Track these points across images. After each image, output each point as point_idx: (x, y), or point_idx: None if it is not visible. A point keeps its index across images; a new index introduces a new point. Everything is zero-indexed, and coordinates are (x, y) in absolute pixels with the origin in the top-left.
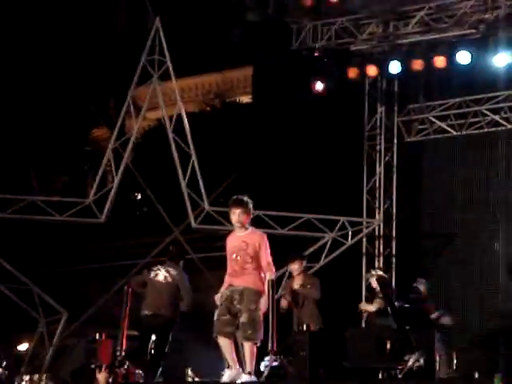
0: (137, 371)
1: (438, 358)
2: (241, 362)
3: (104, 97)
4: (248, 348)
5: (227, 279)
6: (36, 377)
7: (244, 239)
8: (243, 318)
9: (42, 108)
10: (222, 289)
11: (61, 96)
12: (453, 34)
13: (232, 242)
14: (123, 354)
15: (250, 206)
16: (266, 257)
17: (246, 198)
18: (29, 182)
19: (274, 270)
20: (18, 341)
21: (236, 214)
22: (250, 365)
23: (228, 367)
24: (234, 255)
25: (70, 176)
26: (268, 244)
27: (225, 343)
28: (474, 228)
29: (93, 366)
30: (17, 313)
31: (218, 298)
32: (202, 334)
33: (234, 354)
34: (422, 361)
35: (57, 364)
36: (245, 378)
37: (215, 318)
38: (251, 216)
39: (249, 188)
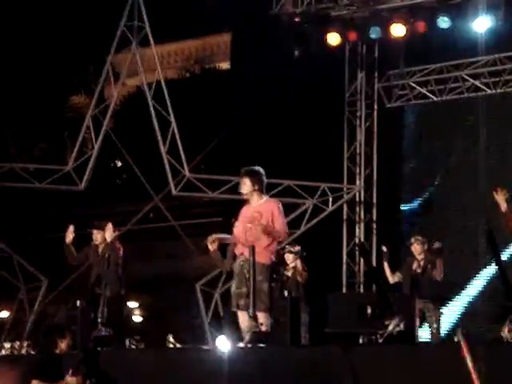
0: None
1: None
2: None
3: (83, 63)
4: (259, 318)
5: (239, 248)
6: (17, 344)
7: (258, 209)
8: (250, 288)
9: (20, 74)
10: (231, 256)
11: (39, 62)
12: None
13: (245, 213)
14: (104, 320)
15: (259, 174)
16: (281, 223)
17: (255, 168)
18: (7, 149)
19: (286, 235)
20: None
21: (240, 185)
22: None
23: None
24: (248, 225)
25: (48, 143)
26: (282, 211)
27: (242, 316)
28: (454, 193)
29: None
30: None
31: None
32: (181, 301)
33: None
34: (402, 326)
35: (37, 331)
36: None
37: (232, 290)
38: (262, 185)
39: (229, 155)
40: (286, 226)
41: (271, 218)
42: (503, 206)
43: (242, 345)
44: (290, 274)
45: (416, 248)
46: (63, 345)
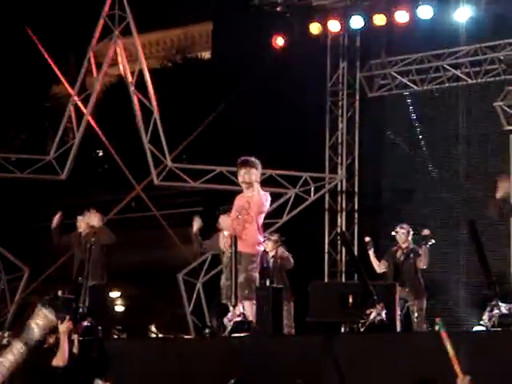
0: (99, 327)
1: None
2: None
3: (64, 53)
4: (247, 307)
5: (228, 241)
6: None
7: (248, 199)
8: (240, 278)
9: (1, 65)
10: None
11: (20, 52)
12: None
13: (237, 202)
14: (86, 309)
15: (257, 166)
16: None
17: (252, 159)
18: None
19: (260, 206)
20: None
21: (241, 174)
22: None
23: None
24: (237, 214)
25: (29, 133)
26: (264, 198)
27: (248, 305)
28: (436, 183)
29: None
30: None
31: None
32: (164, 291)
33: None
34: (383, 314)
35: (19, 321)
36: None
37: (222, 282)
38: (259, 176)
39: (211, 144)
40: (264, 205)
41: (262, 210)
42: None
43: (225, 334)
44: (270, 263)
45: (401, 236)
46: (51, 339)
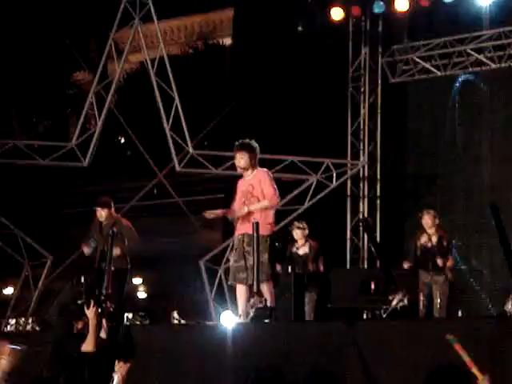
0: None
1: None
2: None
3: (85, 39)
4: (262, 288)
5: (238, 224)
6: (22, 320)
7: (251, 182)
8: (250, 261)
9: (23, 51)
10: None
11: (41, 39)
12: None
13: (240, 187)
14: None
15: (254, 148)
16: (268, 188)
17: (248, 141)
18: (10, 126)
19: (275, 200)
20: (3, 285)
21: (237, 159)
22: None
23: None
24: (243, 199)
25: (52, 120)
26: (271, 178)
27: (240, 290)
28: (459, 169)
29: (79, 302)
30: (1, 257)
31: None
32: (186, 277)
33: (245, 305)
34: (406, 301)
35: (42, 308)
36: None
37: (230, 264)
38: (256, 158)
39: (233, 131)
40: (277, 192)
41: (261, 188)
42: None
43: (246, 320)
44: (300, 251)
45: (427, 221)
46: (79, 325)
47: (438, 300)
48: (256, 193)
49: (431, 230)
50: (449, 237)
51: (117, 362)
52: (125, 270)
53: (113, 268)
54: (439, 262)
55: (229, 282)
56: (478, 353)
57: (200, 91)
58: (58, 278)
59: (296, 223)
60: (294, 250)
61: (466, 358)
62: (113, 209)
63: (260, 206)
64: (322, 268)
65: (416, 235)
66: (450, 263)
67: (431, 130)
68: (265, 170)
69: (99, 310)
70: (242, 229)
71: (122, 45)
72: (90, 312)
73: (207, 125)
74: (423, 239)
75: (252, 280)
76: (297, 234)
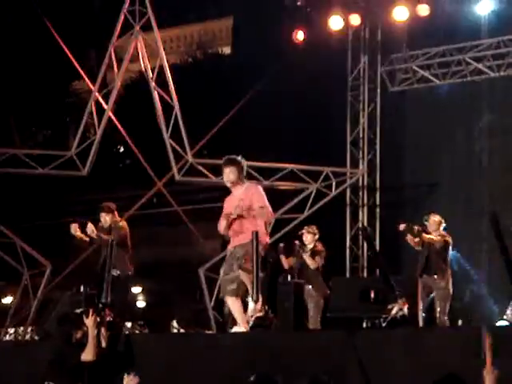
0: (124, 322)
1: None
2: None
3: (85, 48)
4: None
5: (231, 238)
6: (21, 329)
7: (241, 197)
8: (242, 274)
9: (22, 60)
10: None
11: (41, 48)
12: None
13: (230, 203)
14: (108, 304)
15: (241, 163)
16: (259, 202)
17: (235, 157)
18: (10, 135)
19: (268, 214)
20: (2, 294)
21: (226, 174)
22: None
23: (236, 324)
24: (230, 215)
25: (51, 129)
26: (262, 192)
27: (231, 302)
28: (458, 177)
29: (78, 311)
30: (0, 266)
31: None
32: (185, 286)
33: (242, 313)
34: (405, 309)
35: (41, 316)
36: (235, 329)
37: (220, 276)
38: (243, 173)
39: (232, 139)
40: (269, 207)
41: (251, 201)
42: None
43: (246, 330)
44: (307, 257)
45: (431, 226)
46: (79, 334)
47: (438, 308)
48: (246, 206)
49: (436, 233)
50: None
51: (126, 375)
52: (125, 276)
53: (116, 274)
54: (442, 266)
55: (220, 296)
56: (478, 361)
57: (199, 100)
58: (57, 286)
59: (306, 228)
60: (303, 255)
61: (489, 362)
62: (116, 213)
63: (258, 213)
64: (317, 261)
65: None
66: (449, 270)
67: (430, 139)
68: (256, 185)
69: (98, 319)
70: (236, 241)
71: (121, 54)
72: (89, 321)
73: (206, 133)
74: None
75: (242, 291)
76: (307, 238)
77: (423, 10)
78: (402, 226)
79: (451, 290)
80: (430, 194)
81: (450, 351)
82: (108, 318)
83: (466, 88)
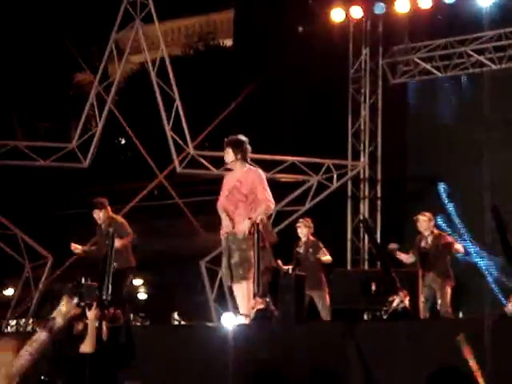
0: (125, 314)
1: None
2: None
3: (86, 40)
4: (241, 288)
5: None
6: (22, 321)
7: (239, 178)
8: (235, 258)
9: (24, 53)
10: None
11: (42, 40)
12: None
13: (227, 180)
14: (109, 297)
15: (242, 144)
16: (263, 191)
17: (237, 137)
18: (11, 127)
19: (270, 204)
20: (4, 286)
21: (225, 153)
22: (244, 306)
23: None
24: (227, 193)
25: (52, 121)
26: (263, 179)
27: (243, 286)
28: (459, 170)
29: (82, 303)
30: (1, 258)
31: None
32: (186, 278)
33: (251, 299)
34: (406, 302)
35: (43, 308)
36: (240, 319)
37: (222, 266)
38: (245, 154)
39: (233, 132)
40: (270, 195)
41: (253, 188)
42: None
43: (246, 321)
44: (302, 249)
45: (422, 224)
46: (80, 326)
47: (439, 302)
48: (244, 190)
49: (427, 232)
50: (446, 236)
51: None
52: (126, 268)
53: (117, 267)
54: (437, 262)
55: (227, 284)
56: (480, 354)
57: (201, 92)
58: (59, 278)
59: (301, 220)
60: (297, 248)
61: (473, 364)
62: (109, 208)
63: (258, 214)
64: (324, 258)
65: (416, 241)
66: (448, 262)
67: (432, 131)
68: (258, 170)
69: (100, 313)
70: (226, 227)
71: (122, 46)
72: (91, 314)
73: (208, 125)
74: (421, 242)
75: (239, 277)
76: (301, 231)
77: (425, 2)
78: (392, 246)
79: (452, 282)
80: (432, 187)
81: (452, 343)
82: (110, 314)
83: (468, 80)
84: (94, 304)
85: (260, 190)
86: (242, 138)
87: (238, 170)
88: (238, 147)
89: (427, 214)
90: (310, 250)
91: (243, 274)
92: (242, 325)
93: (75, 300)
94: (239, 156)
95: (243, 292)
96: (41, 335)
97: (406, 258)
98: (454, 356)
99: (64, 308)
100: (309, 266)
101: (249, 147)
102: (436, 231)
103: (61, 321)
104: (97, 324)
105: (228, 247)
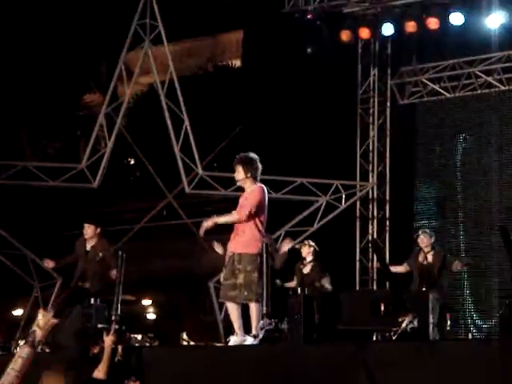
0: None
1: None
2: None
3: (95, 62)
4: (251, 309)
5: (230, 241)
6: None
7: (246, 196)
8: (240, 279)
9: (34, 73)
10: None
11: (52, 61)
12: None
13: (240, 200)
14: (119, 317)
15: (253, 161)
16: (247, 207)
17: (248, 155)
18: (21, 148)
19: (241, 214)
20: (13, 306)
21: (236, 171)
22: (253, 326)
23: (233, 333)
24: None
25: (62, 142)
26: (258, 195)
27: (231, 308)
28: (468, 191)
29: (100, 326)
30: (11, 278)
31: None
32: (195, 298)
33: (240, 321)
34: (415, 322)
35: (52, 329)
36: (249, 340)
37: (221, 281)
38: (256, 173)
39: (241, 152)
40: (252, 209)
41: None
42: None
43: (255, 342)
44: (308, 270)
45: (423, 240)
46: (96, 350)
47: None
48: (246, 207)
49: (427, 249)
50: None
51: (126, 381)
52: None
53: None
54: (437, 279)
55: (220, 299)
56: (488, 373)
57: (209, 113)
58: None
59: (305, 241)
60: (301, 268)
61: None
62: (99, 229)
63: (225, 220)
64: (326, 287)
65: (414, 254)
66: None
67: (440, 152)
68: (261, 187)
69: (116, 339)
70: (232, 247)
71: (132, 67)
72: (108, 339)
73: (216, 146)
74: (420, 258)
75: (242, 299)
76: (304, 251)
77: (433, 23)
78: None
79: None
80: (440, 207)
81: (460, 365)
82: (127, 340)
83: (476, 101)
84: (113, 330)
85: (247, 204)
86: (253, 155)
87: (247, 189)
88: (248, 165)
89: (427, 230)
90: (327, 278)
91: (248, 295)
92: (250, 345)
93: (51, 313)
94: (249, 174)
95: (251, 313)
96: (24, 351)
97: (402, 268)
98: (463, 378)
99: (41, 321)
100: (310, 287)
101: (259, 165)
102: (437, 248)
103: (40, 334)
104: (111, 349)
105: (232, 266)
